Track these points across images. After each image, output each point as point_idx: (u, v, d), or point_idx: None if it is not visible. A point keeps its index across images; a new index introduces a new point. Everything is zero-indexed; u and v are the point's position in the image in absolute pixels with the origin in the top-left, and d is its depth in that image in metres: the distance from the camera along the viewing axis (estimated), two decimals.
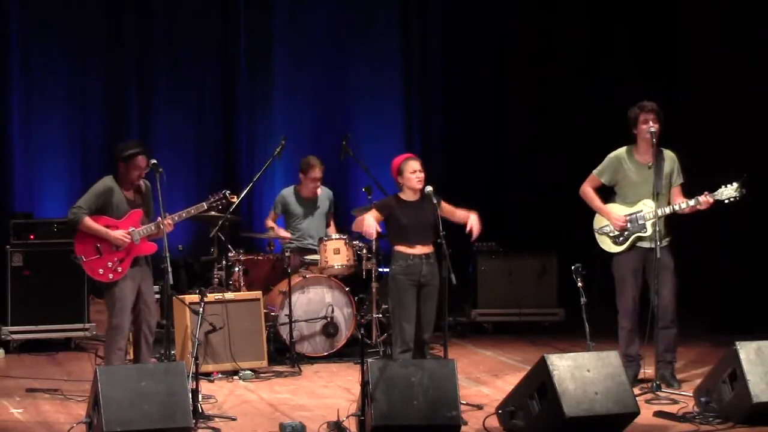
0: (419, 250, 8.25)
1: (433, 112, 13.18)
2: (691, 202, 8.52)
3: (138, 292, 8.31)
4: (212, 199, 8.64)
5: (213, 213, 9.31)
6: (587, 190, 8.89)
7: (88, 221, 8.19)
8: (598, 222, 8.87)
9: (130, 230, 8.23)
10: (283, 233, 10.53)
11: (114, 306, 8.25)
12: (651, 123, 8.59)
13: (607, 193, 8.90)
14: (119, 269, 8.23)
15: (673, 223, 8.79)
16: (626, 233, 8.70)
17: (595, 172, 8.88)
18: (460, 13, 13.15)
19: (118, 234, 8.20)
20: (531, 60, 12.94)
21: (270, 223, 10.67)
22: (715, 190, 8.46)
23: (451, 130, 13.15)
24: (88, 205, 8.23)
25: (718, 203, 8.47)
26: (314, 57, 12.76)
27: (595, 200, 8.86)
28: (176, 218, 8.38)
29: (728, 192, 8.40)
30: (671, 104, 9.72)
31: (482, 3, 13.19)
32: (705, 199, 8.46)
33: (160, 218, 8.22)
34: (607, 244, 8.83)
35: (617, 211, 8.75)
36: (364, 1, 12.95)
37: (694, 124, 12.04)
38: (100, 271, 8.22)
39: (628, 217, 8.67)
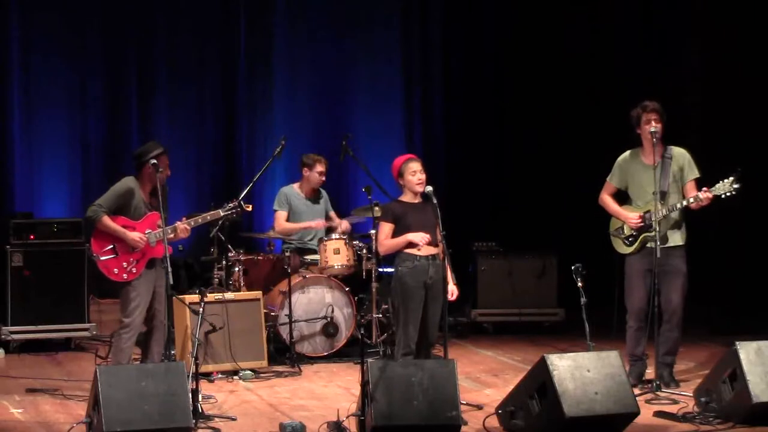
0: (425, 251, 8.20)
1: (433, 112, 13.20)
2: (692, 200, 8.52)
3: (153, 294, 8.32)
4: (228, 207, 8.65)
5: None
6: (604, 197, 8.91)
7: (107, 220, 8.20)
8: (613, 225, 8.89)
9: (146, 232, 8.24)
10: (317, 223, 10.41)
11: (129, 305, 8.26)
12: (653, 123, 8.58)
13: (624, 198, 8.90)
14: (134, 270, 8.24)
15: (689, 224, 8.77)
16: (636, 233, 8.71)
17: (608, 178, 8.91)
18: (461, 13, 13.15)
19: (135, 236, 8.21)
20: (532, 59, 12.95)
21: (293, 225, 10.52)
22: (714, 186, 8.47)
23: (452, 129, 13.16)
24: (108, 204, 8.23)
25: (718, 199, 8.46)
26: (314, 57, 12.78)
27: (610, 205, 8.88)
28: (192, 224, 8.42)
29: (724, 187, 8.39)
30: (675, 103, 9.70)
31: (483, 2, 13.19)
32: (705, 195, 8.45)
33: (178, 222, 8.32)
34: (620, 246, 8.85)
35: (630, 212, 8.76)
36: (364, 1, 12.95)
37: (699, 122, 12.08)
38: (115, 270, 8.23)
39: (641, 216, 8.67)
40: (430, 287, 8.17)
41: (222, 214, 8.65)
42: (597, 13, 12.94)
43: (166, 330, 8.36)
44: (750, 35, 12.04)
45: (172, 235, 8.29)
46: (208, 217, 8.63)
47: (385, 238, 8.23)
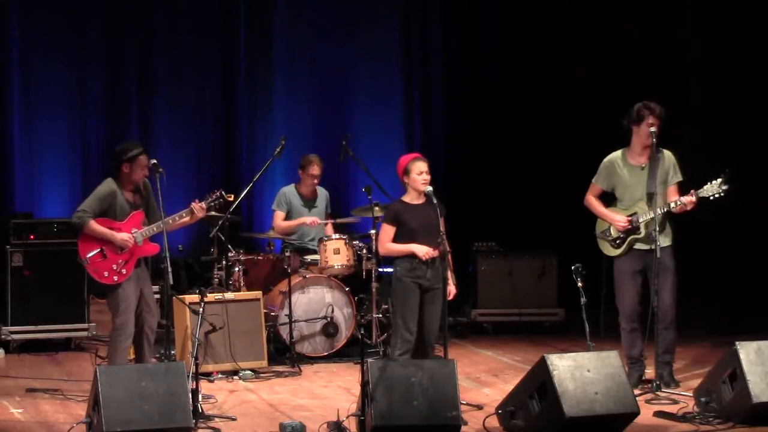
0: None
1: (433, 112, 13.19)
2: (677, 203, 8.50)
3: (140, 293, 8.31)
4: (209, 199, 8.63)
5: (213, 213, 9.30)
6: (589, 199, 8.90)
7: (94, 224, 8.18)
8: (599, 227, 8.88)
9: (133, 232, 8.23)
10: (311, 220, 10.44)
11: (119, 307, 8.25)
12: (655, 128, 8.58)
13: (610, 200, 8.89)
14: (123, 271, 8.23)
15: (676, 223, 8.76)
16: (623, 235, 8.70)
17: (593, 179, 8.89)
18: (461, 13, 13.15)
19: (124, 236, 8.20)
20: (532, 59, 12.94)
21: (289, 223, 10.53)
22: (701, 188, 8.45)
23: (452, 130, 13.15)
24: (92, 209, 8.21)
25: (707, 201, 8.43)
26: (314, 57, 12.78)
27: (597, 206, 8.87)
28: (176, 218, 8.40)
29: (713, 189, 8.38)
30: (675, 103, 9.69)
31: (483, 2, 13.19)
32: (688, 199, 8.43)
33: (194, 204, 8.34)
34: (607, 248, 8.84)
35: (617, 214, 8.75)
36: (364, 1, 12.95)
37: (699, 121, 12.08)
38: (105, 273, 8.21)
39: (629, 218, 8.66)
40: (428, 290, 8.16)
41: (204, 206, 8.62)
42: (597, 13, 12.94)
43: (155, 329, 8.36)
44: (750, 35, 12.04)
45: (187, 218, 8.35)
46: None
47: (387, 240, 8.20)
